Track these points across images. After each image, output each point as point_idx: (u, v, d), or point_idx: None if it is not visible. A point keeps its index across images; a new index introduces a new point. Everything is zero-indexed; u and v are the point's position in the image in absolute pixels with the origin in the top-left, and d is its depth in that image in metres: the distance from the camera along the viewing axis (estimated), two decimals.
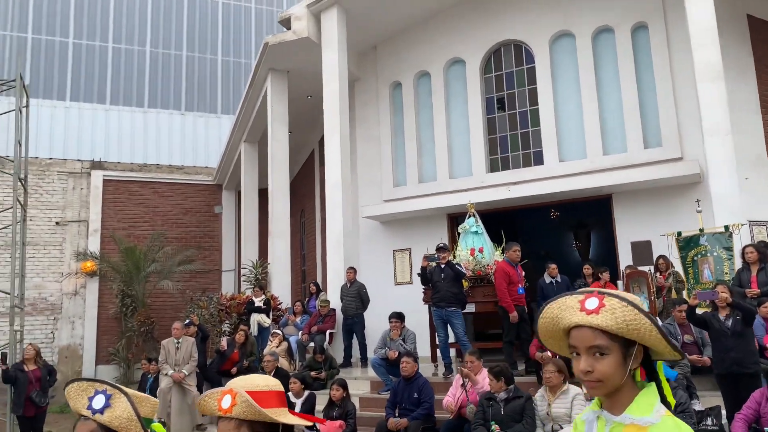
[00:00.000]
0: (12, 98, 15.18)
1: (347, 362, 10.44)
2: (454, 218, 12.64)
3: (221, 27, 20.25)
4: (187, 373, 8.81)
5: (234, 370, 9.53)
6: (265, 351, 9.63)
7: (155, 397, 9.34)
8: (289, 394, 7.13)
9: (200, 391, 8.95)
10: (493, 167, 12.22)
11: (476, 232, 10.13)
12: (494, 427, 5.13)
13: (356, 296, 10.48)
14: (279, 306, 11.71)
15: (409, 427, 6.22)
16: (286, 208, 12.84)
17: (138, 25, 19.10)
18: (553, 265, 9.57)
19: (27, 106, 9.72)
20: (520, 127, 12.13)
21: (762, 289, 7.04)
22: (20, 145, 9.21)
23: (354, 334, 10.48)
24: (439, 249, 8.04)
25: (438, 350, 8.38)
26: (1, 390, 8.73)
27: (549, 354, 6.76)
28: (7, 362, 8.35)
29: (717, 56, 8.70)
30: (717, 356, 5.66)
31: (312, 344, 10.42)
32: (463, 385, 6.01)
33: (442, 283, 7.79)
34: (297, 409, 6.97)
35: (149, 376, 9.80)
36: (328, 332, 10.51)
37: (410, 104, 13.11)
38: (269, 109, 13.17)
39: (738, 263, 7.71)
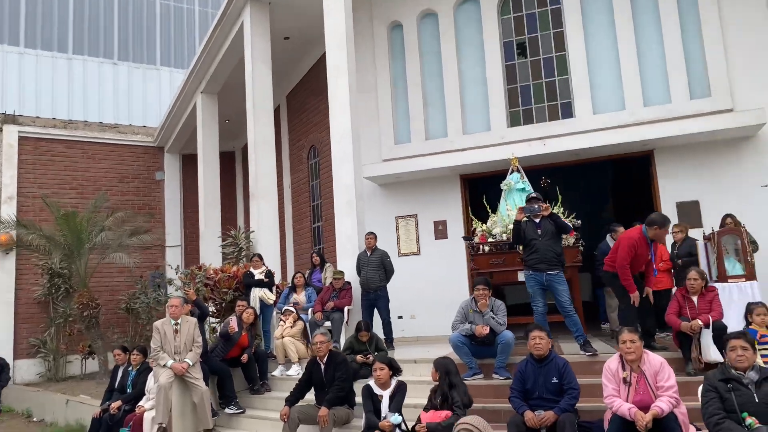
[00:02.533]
0: None
1: None
2: (469, 180, 11.18)
3: None
4: (191, 363, 6.79)
5: (245, 357, 7.57)
6: (314, 334, 7.78)
7: (142, 395, 7.22)
8: (370, 383, 5.38)
9: (207, 384, 6.95)
10: (513, 121, 10.82)
11: (523, 189, 8.73)
12: (750, 419, 3.74)
13: (379, 266, 8.77)
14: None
15: (559, 423, 4.68)
16: (272, 163, 10.81)
17: None
18: (620, 228, 8.28)
19: None
20: (545, 75, 10.79)
21: None
22: None
23: (376, 311, 8.80)
24: (532, 199, 6.49)
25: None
26: None
27: (701, 322, 5.44)
28: None
29: None
30: None
31: (328, 323, 8.64)
32: (626, 381, 4.51)
33: (540, 241, 6.26)
34: (385, 402, 5.25)
35: (131, 369, 7.61)
36: (346, 309, 8.75)
37: (413, 49, 11.43)
38: (248, 47, 11.02)
39: None
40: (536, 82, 10.83)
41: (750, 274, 7.46)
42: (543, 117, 10.69)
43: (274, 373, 7.95)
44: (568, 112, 10.53)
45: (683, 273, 8.24)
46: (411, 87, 11.35)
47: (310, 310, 8.81)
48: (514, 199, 8.60)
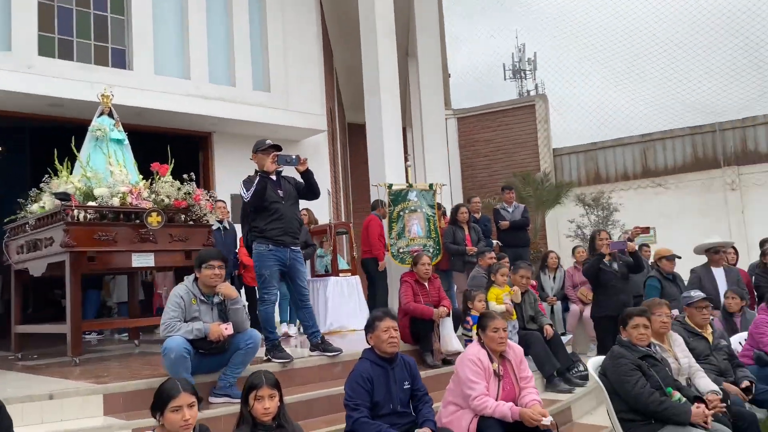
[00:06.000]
0: None
1: None
2: None
3: None
4: None
5: None
6: None
7: None
8: None
9: None
10: (45, 49, 7.68)
11: (120, 140, 6.30)
12: (677, 394, 3.52)
13: None
14: None
15: None
16: None
17: None
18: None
19: None
20: (95, 6, 8.18)
21: (476, 246, 7.47)
22: None
23: None
24: (275, 146, 4.58)
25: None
26: None
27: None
28: None
29: (390, 13, 8.69)
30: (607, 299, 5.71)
31: None
32: (497, 374, 3.76)
33: (284, 206, 4.47)
34: None
35: None
36: None
37: None
38: None
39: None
40: (82, 9, 8.09)
41: (354, 270, 7.61)
42: (87, 57, 8.05)
43: None
44: (121, 61, 8.30)
45: None
46: None
47: None
48: (115, 151, 6.04)
